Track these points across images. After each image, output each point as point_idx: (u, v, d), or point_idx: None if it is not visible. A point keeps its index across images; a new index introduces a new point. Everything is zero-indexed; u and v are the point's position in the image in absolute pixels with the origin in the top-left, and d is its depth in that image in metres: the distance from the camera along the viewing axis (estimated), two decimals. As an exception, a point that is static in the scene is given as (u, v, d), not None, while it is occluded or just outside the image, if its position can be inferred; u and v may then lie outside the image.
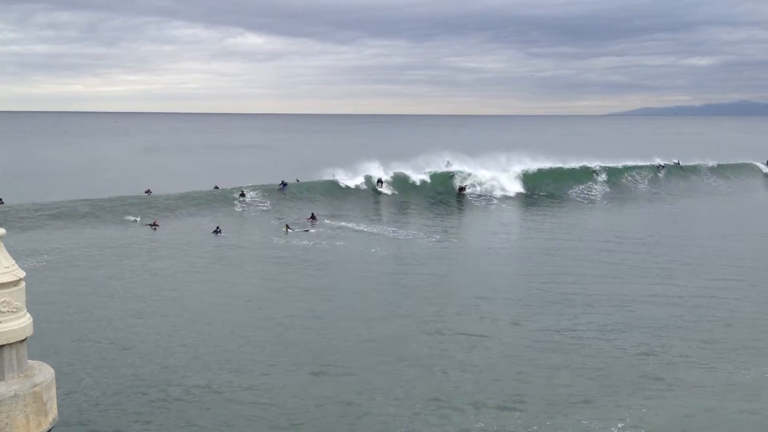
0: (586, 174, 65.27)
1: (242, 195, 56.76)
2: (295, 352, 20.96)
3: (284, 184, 59.03)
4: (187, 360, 20.31)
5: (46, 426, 6.86)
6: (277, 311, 25.20)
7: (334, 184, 55.27)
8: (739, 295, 27.88)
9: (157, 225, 41.30)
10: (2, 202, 43.89)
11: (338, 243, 37.84)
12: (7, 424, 6.51)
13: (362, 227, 42.57)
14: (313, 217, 44.33)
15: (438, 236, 40.27)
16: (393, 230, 42.04)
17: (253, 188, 52.22)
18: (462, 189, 56.46)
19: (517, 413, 16.95)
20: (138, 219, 42.67)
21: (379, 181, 56.02)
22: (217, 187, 62.88)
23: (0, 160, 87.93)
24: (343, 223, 43.95)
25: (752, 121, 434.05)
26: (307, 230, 41.19)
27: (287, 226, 41.45)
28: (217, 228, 40.27)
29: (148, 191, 55.77)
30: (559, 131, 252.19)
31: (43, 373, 7.03)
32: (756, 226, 45.68)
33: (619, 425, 16.25)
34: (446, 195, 56.08)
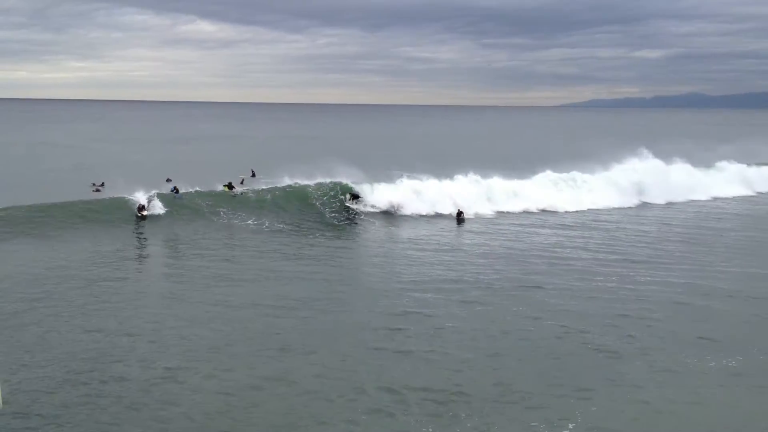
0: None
1: (253, 174, 59.70)
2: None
3: (176, 190, 57.08)
4: (135, 346, 19.83)
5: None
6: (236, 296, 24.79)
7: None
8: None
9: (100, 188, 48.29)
10: None
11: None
12: (-53, 413, 6.11)
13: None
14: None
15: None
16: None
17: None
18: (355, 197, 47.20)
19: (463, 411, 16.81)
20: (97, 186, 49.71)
21: (354, 196, 47.37)
22: (169, 180, 61.87)
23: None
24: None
25: (706, 113, 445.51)
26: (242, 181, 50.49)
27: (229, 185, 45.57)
28: (174, 188, 43.81)
29: (98, 187, 54.54)
30: (512, 123, 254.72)
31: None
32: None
33: (570, 426, 16.14)
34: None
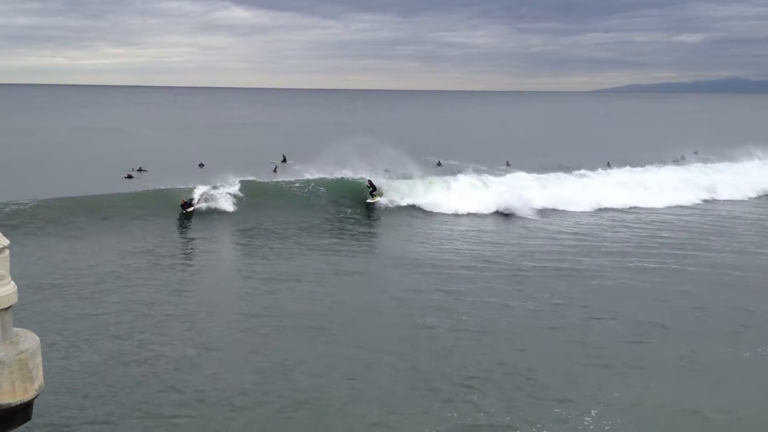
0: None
1: (284, 160, 60.49)
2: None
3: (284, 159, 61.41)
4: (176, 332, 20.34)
5: (32, 393, 6.88)
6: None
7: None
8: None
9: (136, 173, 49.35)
10: None
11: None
12: (-8, 390, 6.54)
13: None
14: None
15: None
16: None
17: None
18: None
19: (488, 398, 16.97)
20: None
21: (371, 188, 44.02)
22: (202, 165, 62.76)
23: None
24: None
25: (746, 98, 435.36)
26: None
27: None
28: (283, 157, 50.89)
29: (139, 169, 55.65)
30: (552, 109, 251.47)
31: (29, 340, 7.05)
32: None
33: (593, 412, 16.22)
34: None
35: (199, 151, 68.20)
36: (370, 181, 42.22)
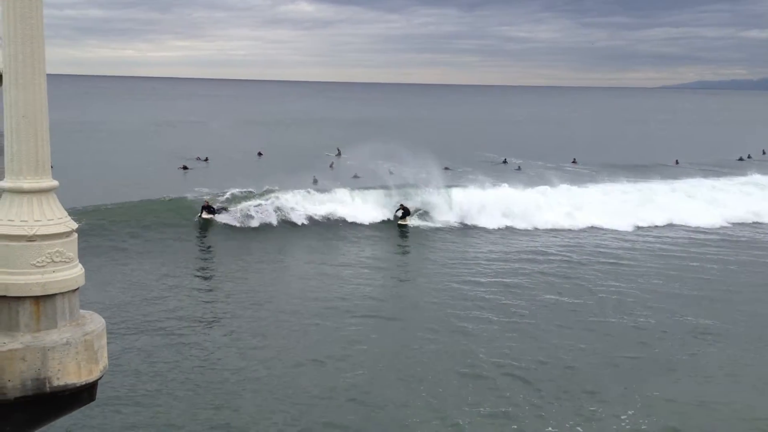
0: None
1: (339, 153, 60.58)
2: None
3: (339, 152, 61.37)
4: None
5: (97, 374, 6.97)
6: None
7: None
8: None
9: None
10: (51, 167, 44.59)
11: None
12: (59, 370, 6.64)
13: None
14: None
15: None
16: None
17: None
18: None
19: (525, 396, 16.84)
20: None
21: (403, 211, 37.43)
22: (260, 154, 63.63)
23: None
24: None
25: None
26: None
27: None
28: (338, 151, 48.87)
29: (205, 159, 56.90)
30: (620, 105, 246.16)
31: (95, 322, 7.13)
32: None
33: (629, 412, 16.00)
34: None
35: (258, 142, 69.13)
36: (402, 206, 37.08)
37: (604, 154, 69.16)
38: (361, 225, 35.30)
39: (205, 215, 32.61)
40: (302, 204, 35.99)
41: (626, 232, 35.56)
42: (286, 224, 34.22)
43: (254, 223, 33.41)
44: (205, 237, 31.76)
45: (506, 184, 41.81)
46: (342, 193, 38.21)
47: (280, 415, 15.37)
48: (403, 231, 35.34)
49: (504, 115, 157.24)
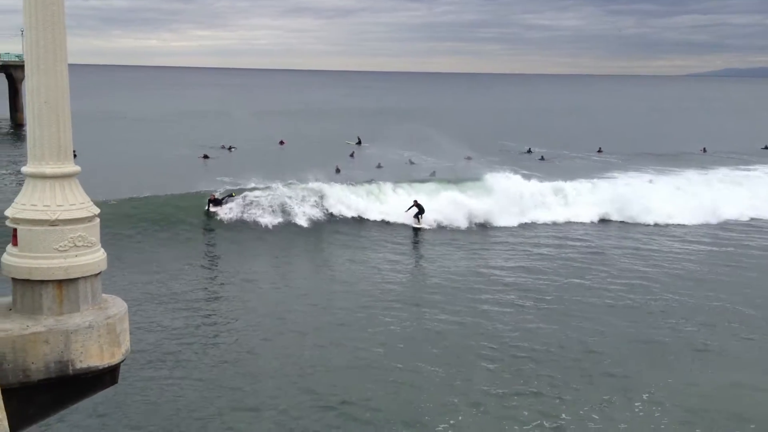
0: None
1: (359, 142, 59.76)
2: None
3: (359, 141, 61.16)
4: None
5: (119, 357, 7.07)
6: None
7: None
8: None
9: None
10: (75, 155, 44.74)
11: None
12: (81, 353, 6.75)
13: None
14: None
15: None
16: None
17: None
18: None
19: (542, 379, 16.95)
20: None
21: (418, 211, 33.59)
22: (282, 142, 63.84)
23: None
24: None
25: None
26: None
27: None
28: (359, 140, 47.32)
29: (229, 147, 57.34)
30: (647, 93, 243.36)
31: (117, 306, 7.24)
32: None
33: (644, 396, 16.07)
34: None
35: (280, 131, 69.23)
36: (416, 202, 32.99)
37: (630, 142, 68.43)
38: (376, 219, 33.22)
39: (212, 208, 31.57)
40: (319, 198, 33.86)
41: (655, 223, 35.13)
42: (300, 220, 31.98)
43: (264, 218, 31.45)
44: (212, 232, 30.63)
45: (535, 179, 40.32)
46: (357, 188, 35.93)
47: (305, 396, 15.51)
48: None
49: (528, 103, 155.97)
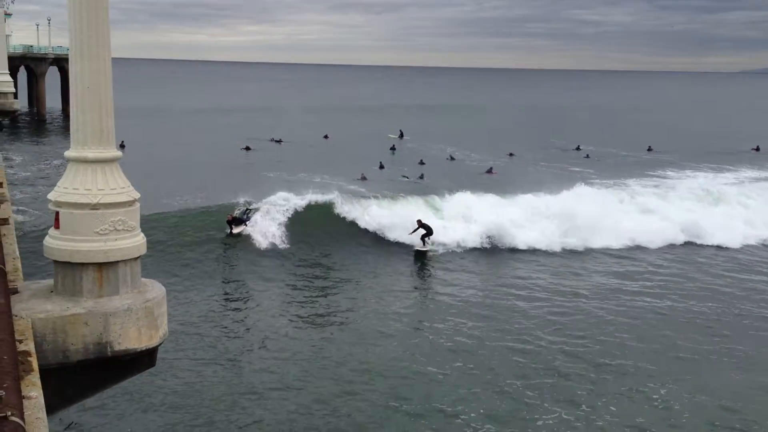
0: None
1: (401, 135, 59.60)
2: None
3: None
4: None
5: (157, 340, 7.14)
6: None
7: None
8: None
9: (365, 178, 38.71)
10: (123, 146, 45.20)
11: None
12: (120, 335, 6.83)
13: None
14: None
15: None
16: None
17: None
18: None
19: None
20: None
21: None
22: (326, 136, 64.06)
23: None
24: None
25: None
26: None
27: None
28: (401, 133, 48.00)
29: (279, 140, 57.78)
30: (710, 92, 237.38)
31: (155, 290, 7.31)
32: None
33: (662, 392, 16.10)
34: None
35: (326, 126, 69.50)
36: (420, 222, 28.51)
37: (682, 141, 66.98)
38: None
39: (235, 230, 27.61)
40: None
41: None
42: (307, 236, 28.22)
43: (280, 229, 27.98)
44: (236, 252, 26.86)
45: (581, 183, 36.20)
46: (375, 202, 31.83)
47: (335, 386, 15.62)
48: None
49: (578, 100, 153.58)
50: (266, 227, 27.88)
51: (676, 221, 31.69)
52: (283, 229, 28.02)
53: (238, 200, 29.68)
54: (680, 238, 30.17)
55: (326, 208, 30.29)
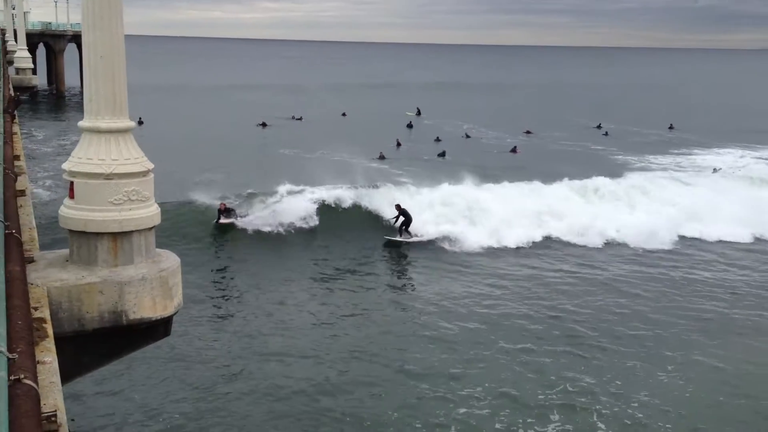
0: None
1: (419, 113, 60.20)
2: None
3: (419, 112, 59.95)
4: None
5: (171, 310, 7.20)
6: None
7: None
8: None
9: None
10: (141, 122, 45.23)
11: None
12: (135, 304, 6.90)
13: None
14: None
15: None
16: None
17: None
18: None
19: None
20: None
21: None
22: (344, 114, 63.86)
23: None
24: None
25: None
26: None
27: None
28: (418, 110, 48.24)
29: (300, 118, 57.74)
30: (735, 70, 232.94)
31: (170, 260, 7.36)
32: None
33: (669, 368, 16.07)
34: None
35: (344, 103, 69.34)
36: (399, 207, 26.47)
37: (703, 119, 66.15)
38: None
39: (223, 220, 26.50)
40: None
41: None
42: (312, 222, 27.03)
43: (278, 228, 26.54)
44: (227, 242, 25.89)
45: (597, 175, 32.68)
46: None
47: (347, 375, 15.70)
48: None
49: (600, 78, 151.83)
50: (267, 218, 26.58)
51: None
52: (290, 219, 26.44)
53: (240, 192, 28.82)
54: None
55: (337, 201, 28.16)
